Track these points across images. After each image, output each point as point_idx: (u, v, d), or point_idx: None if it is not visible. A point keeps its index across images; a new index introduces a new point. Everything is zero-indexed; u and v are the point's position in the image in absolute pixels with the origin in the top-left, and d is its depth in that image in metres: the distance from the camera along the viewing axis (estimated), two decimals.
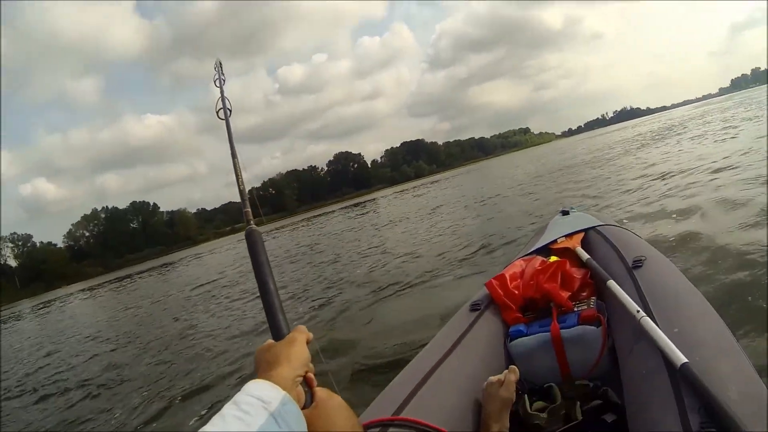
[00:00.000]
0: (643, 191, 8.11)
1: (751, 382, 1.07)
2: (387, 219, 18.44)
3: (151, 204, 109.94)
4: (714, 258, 3.72)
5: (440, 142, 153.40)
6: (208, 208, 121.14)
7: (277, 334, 0.91)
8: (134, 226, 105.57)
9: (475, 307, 1.99)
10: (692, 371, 1.11)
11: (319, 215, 49.60)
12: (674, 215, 5.69)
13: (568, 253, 2.35)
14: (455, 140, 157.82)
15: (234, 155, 1.27)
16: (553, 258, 2.23)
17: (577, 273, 1.99)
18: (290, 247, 17.29)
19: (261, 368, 0.80)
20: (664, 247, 4.35)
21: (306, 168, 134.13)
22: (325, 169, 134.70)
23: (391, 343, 4.03)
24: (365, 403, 1.42)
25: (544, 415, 1.43)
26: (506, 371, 1.41)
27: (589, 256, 2.17)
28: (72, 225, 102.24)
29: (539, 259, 2.17)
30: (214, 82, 1.53)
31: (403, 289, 6.00)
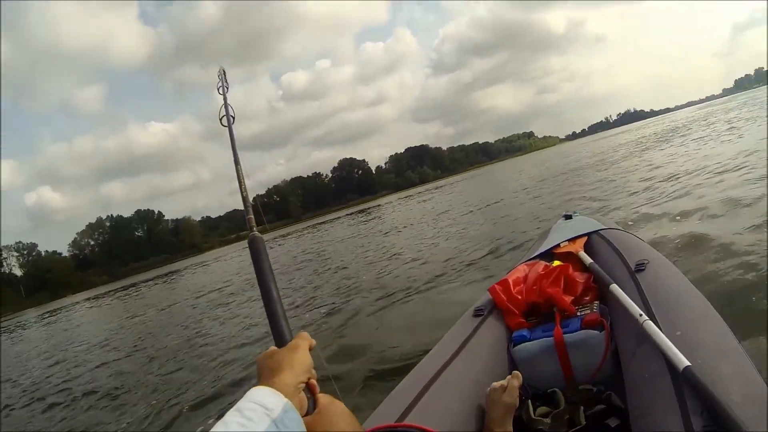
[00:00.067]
0: (647, 193, 8.10)
1: (753, 384, 1.07)
2: (392, 225, 18.44)
3: (156, 212, 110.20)
4: (717, 259, 3.71)
5: (444, 148, 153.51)
6: (213, 216, 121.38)
7: (280, 341, 0.92)
8: (139, 234, 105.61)
9: (478, 313, 2.00)
10: (695, 374, 1.11)
11: (324, 222, 49.60)
12: (678, 217, 5.69)
13: (571, 258, 2.35)
14: (459, 145, 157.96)
15: (237, 162, 1.29)
16: (556, 262, 2.23)
17: (580, 277, 2.00)
18: (296, 255, 17.30)
19: (264, 375, 0.81)
20: (668, 249, 4.35)
21: (310, 175, 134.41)
22: (330, 175, 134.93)
23: (397, 349, 4.03)
24: (370, 409, 1.43)
25: (547, 420, 1.42)
26: (509, 376, 1.41)
27: (591, 260, 2.18)
28: (77, 234, 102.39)
29: (542, 263, 2.18)
30: (218, 89, 1.54)
31: (409, 295, 6.01)
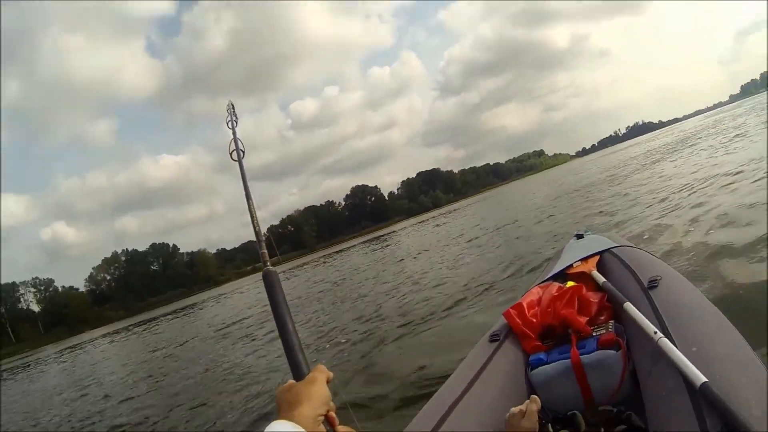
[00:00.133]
0: (660, 206, 8.06)
1: None
2: (407, 252, 18.40)
3: (171, 245, 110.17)
4: (733, 270, 3.67)
5: (456, 171, 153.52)
6: (228, 248, 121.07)
7: (298, 374, 0.94)
8: (155, 268, 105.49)
9: (494, 338, 2.00)
10: (712, 390, 1.11)
11: (340, 251, 49.59)
12: (692, 228, 5.64)
13: (584, 278, 2.35)
14: (471, 167, 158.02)
15: (248, 197, 1.32)
16: (570, 283, 2.23)
17: (593, 297, 2.00)
18: (312, 285, 17.30)
19: (282, 408, 0.83)
20: (682, 262, 4.33)
21: (323, 203, 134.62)
22: (343, 203, 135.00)
23: (417, 377, 4.02)
24: None
25: None
26: (527, 401, 1.41)
27: (605, 279, 2.18)
28: (93, 268, 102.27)
29: (556, 285, 2.19)
30: (227, 123, 1.57)
31: (427, 322, 5.99)
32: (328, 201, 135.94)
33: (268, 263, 1.16)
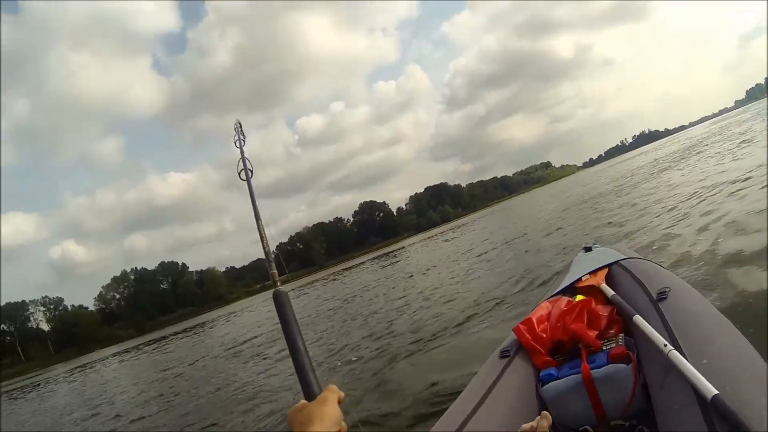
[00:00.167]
0: (669, 214, 8.03)
1: None
2: (417, 268, 18.36)
3: (180, 264, 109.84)
4: (742, 279, 3.64)
5: (464, 184, 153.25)
6: (237, 266, 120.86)
7: (309, 394, 0.95)
8: (164, 286, 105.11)
9: (504, 354, 2.00)
10: (724, 402, 1.11)
11: (349, 268, 49.52)
12: (701, 237, 5.61)
13: (593, 291, 2.35)
14: (478, 181, 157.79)
15: (258, 217, 1.32)
16: (579, 297, 2.23)
17: (603, 310, 2.00)
18: (323, 302, 17.27)
19: (294, 429, 0.84)
20: (692, 270, 4.31)
21: (332, 220, 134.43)
22: (351, 219, 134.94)
23: (427, 395, 4.01)
24: None
25: None
26: (538, 417, 1.41)
27: (614, 293, 2.18)
28: (102, 287, 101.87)
29: (565, 299, 2.18)
30: (235, 143, 1.58)
31: (437, 338, 5.98)
32: (337, 218, 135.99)
33: (278, 284, 1.17)
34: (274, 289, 1.14)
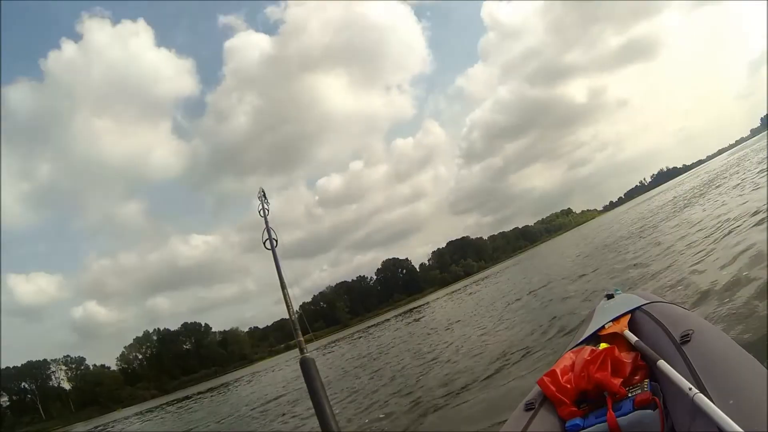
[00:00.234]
0: (691, 253, 7.95)
1: None
2: (442, 323, 18.14)
3: (203, 324, 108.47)
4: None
5: (485, 237, 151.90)
6: (261, 326, 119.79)
7: None
8: (187, 347, 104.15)
9: (529, 406, 2.00)
10: None
11: (374, 325, 49.05)
12: (725, 273, 5.54)
13: (616, 338, 2.35)
14: (500, 232, 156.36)
15: (284, 287, 1.37)
16: (603, 345, 2.24)
17: (627, 357, 2.00)
18: (348, 360, 17.14)
19: None
20: (717, 306, 4.27)
21: (355, 279, 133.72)
22: (374, 277, 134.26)
23: None
24: None
25: None
26: None
27: (637, 339, 2.18)
28: (124, 348, 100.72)
29: (588, 348, 2.19)
30: (259, 212, 1.62)
31: (463, 393, 5.92)
32: (360, 276, 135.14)
33: (305, 351, 1.20)
34: (301, 357, 1.18)
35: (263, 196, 1.67)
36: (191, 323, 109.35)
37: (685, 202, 21.21)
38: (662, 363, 1.74)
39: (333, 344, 35.93)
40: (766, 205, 6.88)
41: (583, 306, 7.90)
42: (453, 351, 9.49)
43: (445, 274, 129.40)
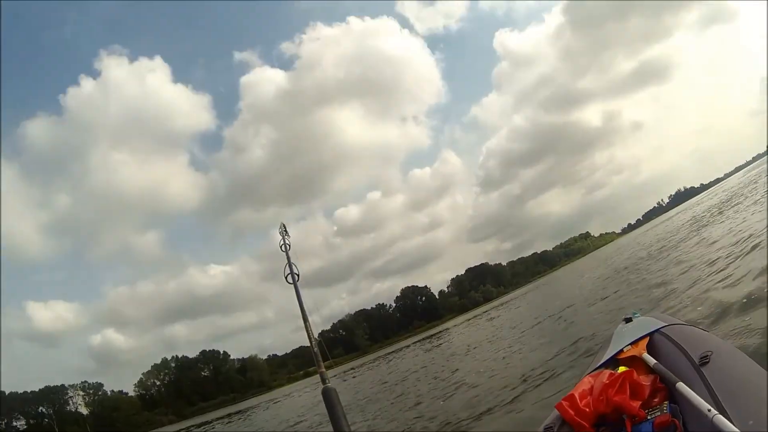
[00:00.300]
0: (710, 270, 7.90)
1: None
2: (462, 349, 18.01)
3: (221, 352, 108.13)
4: None
5: (504, 263, 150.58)
6: (279, 353, 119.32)
7: None
8: (205, 374, 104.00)
9: (548, 431, 2.00)
10: None
11: (393, 351, 48.68)
12: (745, 290, 5.46)
13: (635, 361, 2.35)
14: (519, 258, 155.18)
15: (305, 319, 1.41)
16: (622, 368, 2.23)
17: (645, 380, 2.00)
18: (369, 386, 17.07)
19: None
20: (738, 323, 4.22)
21: (374, 306, 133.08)
22: (393, 305, 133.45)
23: None
24: None
25: None
26: None
27: (656, 361, 2.17)
28: (142, 374, 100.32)
29: (606, 372, 2.19)
30: (280, 247, 1.66)
31: (483, 418, 5.89)
32: (379, 304, 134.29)
33: (327, 381, 1.23)
34: (323, 387, 1.21)
35: (284, 232, 1.71)
36: (209, 351, 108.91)
37: (705, 221, 20.97)
38: (681, 385, 1.74)
39: (353, 370, 35.74)
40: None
41: (601, 329, 7.82)
42: (473, 376, 9.42)
43: (464, 300, 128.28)
